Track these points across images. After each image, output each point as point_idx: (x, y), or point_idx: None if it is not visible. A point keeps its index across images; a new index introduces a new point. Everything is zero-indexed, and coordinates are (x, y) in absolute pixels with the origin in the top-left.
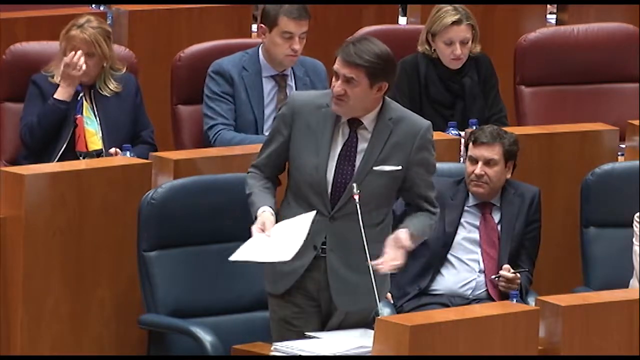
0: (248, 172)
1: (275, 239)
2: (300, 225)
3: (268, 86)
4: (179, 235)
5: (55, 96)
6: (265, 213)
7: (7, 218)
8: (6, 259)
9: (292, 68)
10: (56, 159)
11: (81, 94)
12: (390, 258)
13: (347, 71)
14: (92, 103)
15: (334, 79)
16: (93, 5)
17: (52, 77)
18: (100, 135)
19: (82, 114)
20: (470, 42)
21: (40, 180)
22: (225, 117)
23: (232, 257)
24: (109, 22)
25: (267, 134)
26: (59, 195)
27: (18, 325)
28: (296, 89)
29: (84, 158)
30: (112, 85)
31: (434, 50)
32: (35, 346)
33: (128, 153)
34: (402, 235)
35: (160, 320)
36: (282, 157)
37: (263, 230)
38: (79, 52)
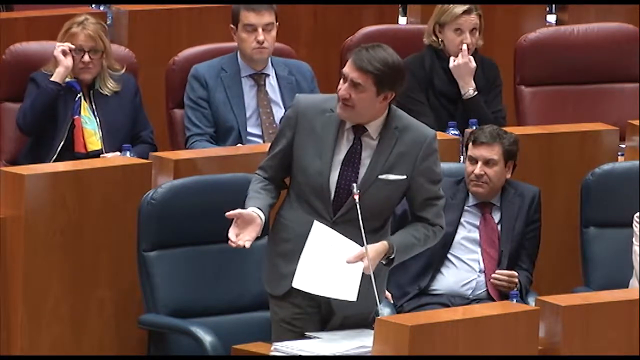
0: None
1: (331, 268)
2: (349, 250)
3: (247, 85)
4: (179, 235)
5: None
6: (247, 209)
7: (7, 218)
8: (6, 259)
9: (274, 68)
10: (53, 159)
11: (79, 95)
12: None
13: (356, 76)
14: (91, 103)
15: (341, 82)
16: (93, 5)
17: (51, 75)
18: (100, 135)
19: (79, 114)
20: (477, 33)
21: (40, 180)
22: (199, 127)
23: (294, 284)
24: (108, 22)
25: (250, 130)
26: (59, 195)
27: (18, 325)
28: (280, 89)
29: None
30: (111, 84)
31: (442, 41)
32: (35, 346)
33: (128, 153)
34: (370, 252)
35: (160, 320)
36: (287, 158)
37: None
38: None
